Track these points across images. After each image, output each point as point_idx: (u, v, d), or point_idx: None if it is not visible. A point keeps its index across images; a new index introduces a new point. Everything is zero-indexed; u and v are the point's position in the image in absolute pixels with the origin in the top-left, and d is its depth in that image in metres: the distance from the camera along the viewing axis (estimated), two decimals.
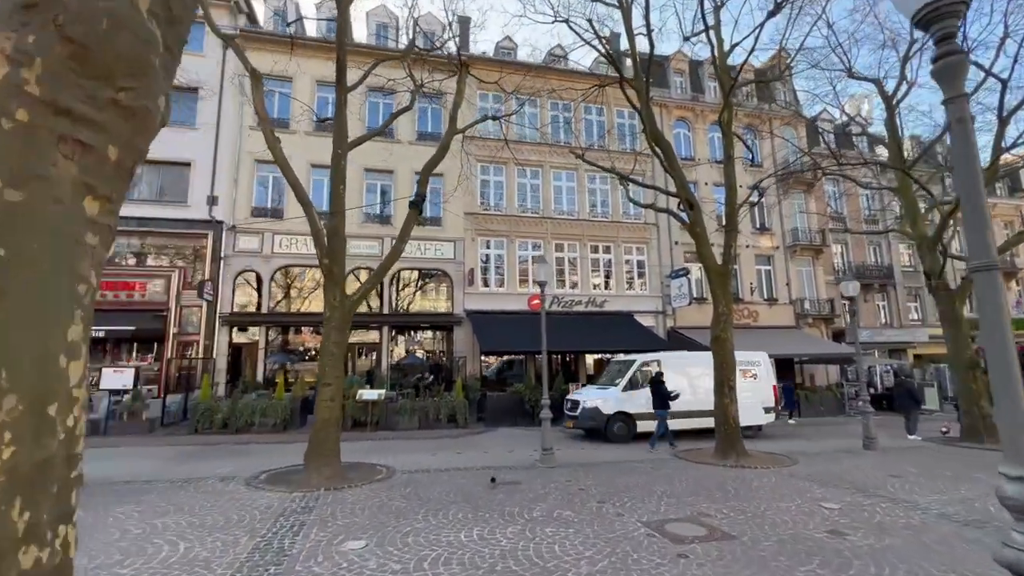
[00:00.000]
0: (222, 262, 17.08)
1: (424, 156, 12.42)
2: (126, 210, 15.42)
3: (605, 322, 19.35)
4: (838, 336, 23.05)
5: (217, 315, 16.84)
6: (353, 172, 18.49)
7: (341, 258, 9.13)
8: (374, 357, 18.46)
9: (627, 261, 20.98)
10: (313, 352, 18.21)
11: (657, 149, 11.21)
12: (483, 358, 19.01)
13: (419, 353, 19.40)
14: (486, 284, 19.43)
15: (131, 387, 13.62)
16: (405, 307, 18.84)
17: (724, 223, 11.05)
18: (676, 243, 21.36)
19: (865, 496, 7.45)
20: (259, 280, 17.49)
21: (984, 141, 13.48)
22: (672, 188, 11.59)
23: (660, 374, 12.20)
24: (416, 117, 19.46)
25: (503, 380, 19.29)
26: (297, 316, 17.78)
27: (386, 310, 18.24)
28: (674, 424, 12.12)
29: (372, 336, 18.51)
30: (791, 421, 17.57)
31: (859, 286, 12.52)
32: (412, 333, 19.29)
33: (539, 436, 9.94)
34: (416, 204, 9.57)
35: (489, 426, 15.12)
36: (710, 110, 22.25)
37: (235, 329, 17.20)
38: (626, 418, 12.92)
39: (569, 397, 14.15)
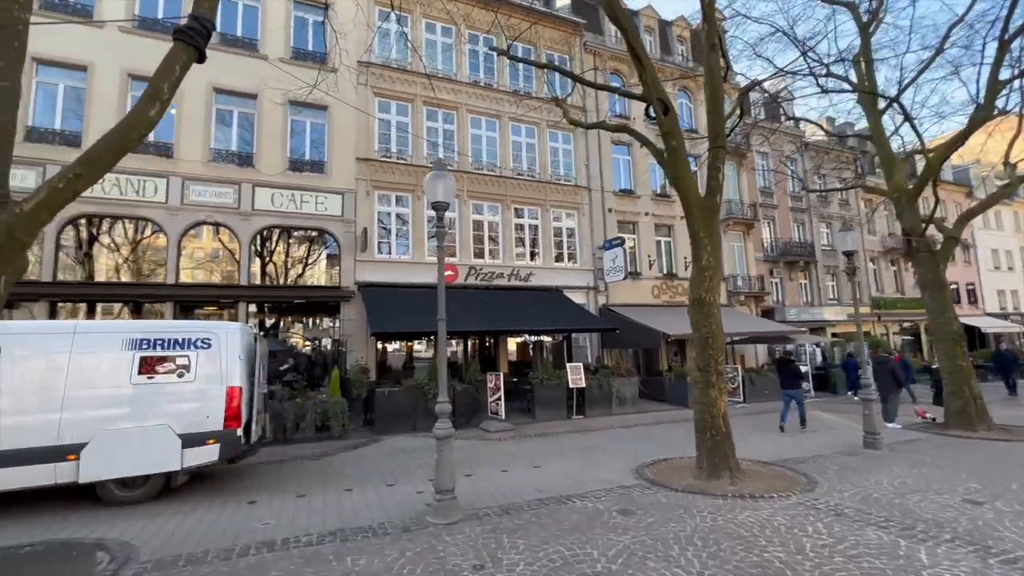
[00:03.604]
0: None
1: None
2: None
3: (531, 298, 15.35)
4: (767, 314, 21.01)
5: None
6: (198, 92, 12.87)
7: (9, 114, 4.10)
8: None
9: (556, 229, 17.12)
10: None
11: (617, 28, 7.20)
12: (379, 344, 14.22)
13: (296, 339, 14.16)
14: (385, 250, 14.61)
15: None
16: (275, 277, 13.51)
17: (709, 137, 7.31)
18: (610, 210, 17.85)
19: (988, 555, 3.94)
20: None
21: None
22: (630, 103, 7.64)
23: (790, 353, 8.42)
24: (291, 29, 14.08)
25: (410, 370, 14.67)
26: (101, 287, 11.83)
27: (244, 280, 12.82)
28: None
29: (228, 316, 13.01)
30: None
31: (857, 238, 9.48)
32: (285, 313, 13.98)
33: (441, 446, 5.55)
34: (189, 33, 4.71)
35: (377, 434, 10.49)
36: None
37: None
38: None
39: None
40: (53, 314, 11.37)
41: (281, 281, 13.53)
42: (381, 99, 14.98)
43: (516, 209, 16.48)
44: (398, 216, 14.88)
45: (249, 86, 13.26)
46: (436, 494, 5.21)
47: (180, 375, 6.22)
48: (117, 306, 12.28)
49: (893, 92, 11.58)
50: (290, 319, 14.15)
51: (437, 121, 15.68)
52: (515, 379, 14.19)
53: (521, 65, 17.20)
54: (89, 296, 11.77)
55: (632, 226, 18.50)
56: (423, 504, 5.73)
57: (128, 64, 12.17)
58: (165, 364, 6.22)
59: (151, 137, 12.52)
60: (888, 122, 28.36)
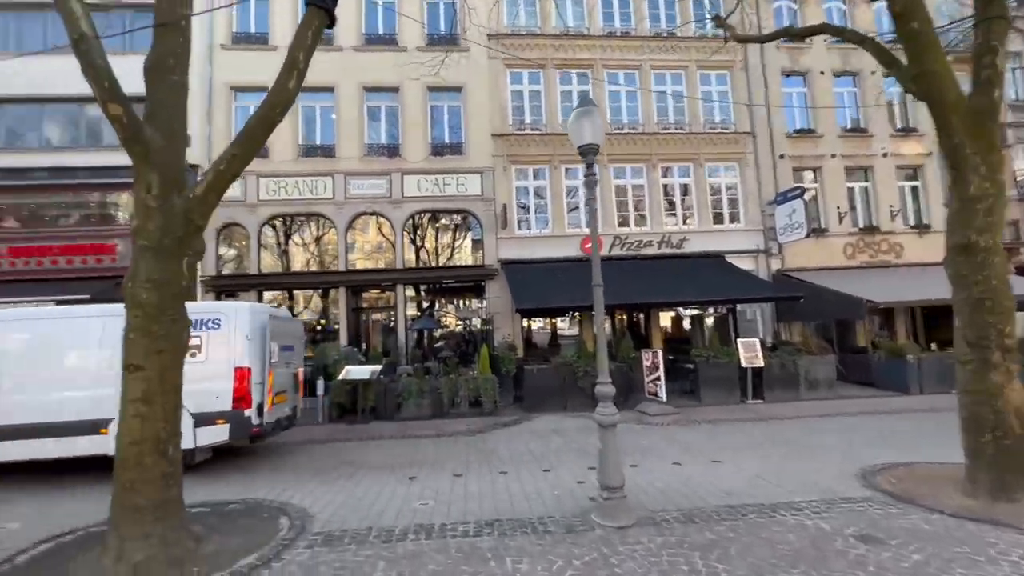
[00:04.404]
0: None
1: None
2: (78, 160, 10.26)
3: (686, 267, 13.49)
4: (1022, 272, 15.51)
5: (198, 279, 12.99)
6: (352, 93, 13.84)
7: (180, 107, 4.32)
8: (391, 324, 13.97)
9: (713, 186, 14.77)
10: (315, 320, 14.02)
11: None
12: (524, 321, 13.92)
13: (448, 318, 14.65)
14: (525, 226, 14.17)
15: None
16: (429, 260, 14.05)
17: (977, 5, 4.94)
18: (782, 156, 14.76)
19: None
20: (245, 235, 13.40)
21: None
22: None
23: None
24: (425, 16, 14.23)
25: (556, 347, 14.16)
26: (292, 276, 13.57)
27: (400, 264, 13.57)
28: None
29: (388, 298, 14.01)
30: None
31: None
32: (436, 292, 14.53)
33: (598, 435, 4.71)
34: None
35: (527, 411, 10.11)
36: None
37: (223, 295, 13.31)
38: None
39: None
40: (261, 302, 13.41)
41: (432, 263, 14.02)
42: (512, 70, 14.39)
43: (664, 168, 14.59)
44: (536, 191, 14.27)
45: (393, 79, 13.79)
46: (602, 490, 4.38)
47: (192, 355, 5.70)
48: (309, 292, 14.02)
49: None
50: (443, 299, 14.65)
51: (571, 83, 14.55)
52: (671, 357, 12.64)
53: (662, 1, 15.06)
54: (286, 285, 13.62)
55: (814, 173, 15.08)
56: (586, 498, 4.95)
57: (362, 78, 13.66)
58: None
59: (318, 141, 13.91)
60: None
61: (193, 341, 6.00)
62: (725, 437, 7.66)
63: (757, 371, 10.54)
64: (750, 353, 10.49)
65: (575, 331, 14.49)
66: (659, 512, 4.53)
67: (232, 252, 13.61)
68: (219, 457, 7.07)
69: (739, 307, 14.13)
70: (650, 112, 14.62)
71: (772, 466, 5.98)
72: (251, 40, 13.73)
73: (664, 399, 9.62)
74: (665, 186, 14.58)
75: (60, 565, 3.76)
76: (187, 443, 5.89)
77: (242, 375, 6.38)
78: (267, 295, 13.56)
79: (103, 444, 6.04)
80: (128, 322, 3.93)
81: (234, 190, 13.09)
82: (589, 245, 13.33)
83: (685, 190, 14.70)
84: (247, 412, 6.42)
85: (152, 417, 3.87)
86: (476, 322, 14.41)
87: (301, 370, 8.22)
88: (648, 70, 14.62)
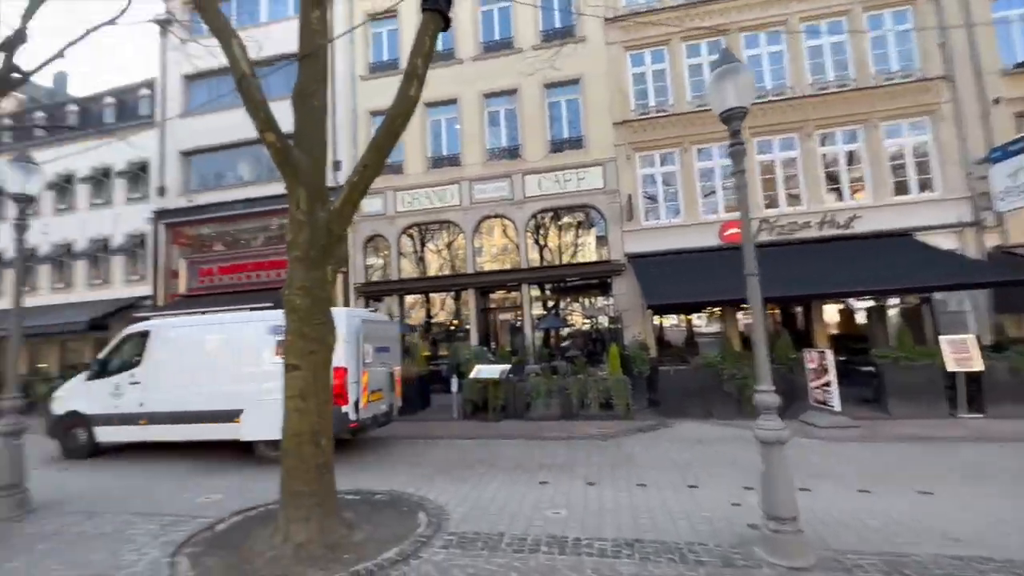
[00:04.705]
0: (349, 230, 14.78)
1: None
2: (262, 191, 13.12)
3: (857, 250, 11.21)
4: None
5: (351, 286, 14.68)
6: (473, 102, 14.36)
7: (320, 130, 4.71)
8: (518, 323, 14.13)
9: (892, 149, 12.07)
10: (448, 321, 14.82)
11: None
12: (655, 318, 12.94)
13: (574, 317, 14.33)
14: (652, 216, 13.19)
15: None
16: (550, 259, 13.92)
17: None
18: (996, 101, 11.43)
19: None
20: (386, 244, 14.73)
21: None
22: None
23: None
24: (540, 13, 14.12)
25: (692, 347, 12.92)
26: (427, 280, 14.52)
27: (524, 264, 13.65)
28: None
29: (514, 298, 14.20)
30: None
31: None
32: (561, 291, 14.28)
33: (752, 447, 3.94)
34: (434, 0, 4.49)
35: (664, 416, 9.27)
36: None
37: (371, 300, 14.83)
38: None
39: None
40: (402, 306, 14.64)
41: (555, 261, 13.83)
42: (633, 52, 13.53)
43: (821, 136, 12.37)
44: (664, 178, 13.19)
45: (510, 82, 13.95)
46: (768, 520, 3.62)
47: None
48: (443, 295, 14.88)
49: None
50: (568, 297, 14.37)
51: (699, 55, 13.16)
52: (842, 358, 10.56)
53: None
54: (422, 288, 14.65)
55: None
56: (743, 525, 4.20)
57: (481, 86, 14.17)
58: None
59: (444, 151, 14.68)
60: None
61: None
62: (931, 461, 6.03)
63: (973, 377, 8.21)
64: (960, 354, 8.21)
65: (714, 328, 13.05)
66: (848, 554, 3.60)
67: (379, 261, 15.06)
68: (365, 448, 7.75)
69: (937, 296, 11.30)
70: (801, 72, 12.51)
71: (1010, 505, 4.46)
72: (384, 68, 15.05)
73: (838, 408, 8.01)
74: (824, 156, 12.34)
75: (245, 538, 4.31)
76: None
77: (339, 374, 6.82)
78: (408, 299, 14.74)
79: (235, 431, 7.22)
80: (286, 325, 4.36)
81: (375, 205, 14.53)
82: (731, 231, 12.00)
83: (851, 159, 12.27)
84: (344, 408, 6.97)
85: (308, 411, 4.23)
86: (603, 320, 13.84)
87: (398, 369, 8.67)
88: (796, 23, 12.52)
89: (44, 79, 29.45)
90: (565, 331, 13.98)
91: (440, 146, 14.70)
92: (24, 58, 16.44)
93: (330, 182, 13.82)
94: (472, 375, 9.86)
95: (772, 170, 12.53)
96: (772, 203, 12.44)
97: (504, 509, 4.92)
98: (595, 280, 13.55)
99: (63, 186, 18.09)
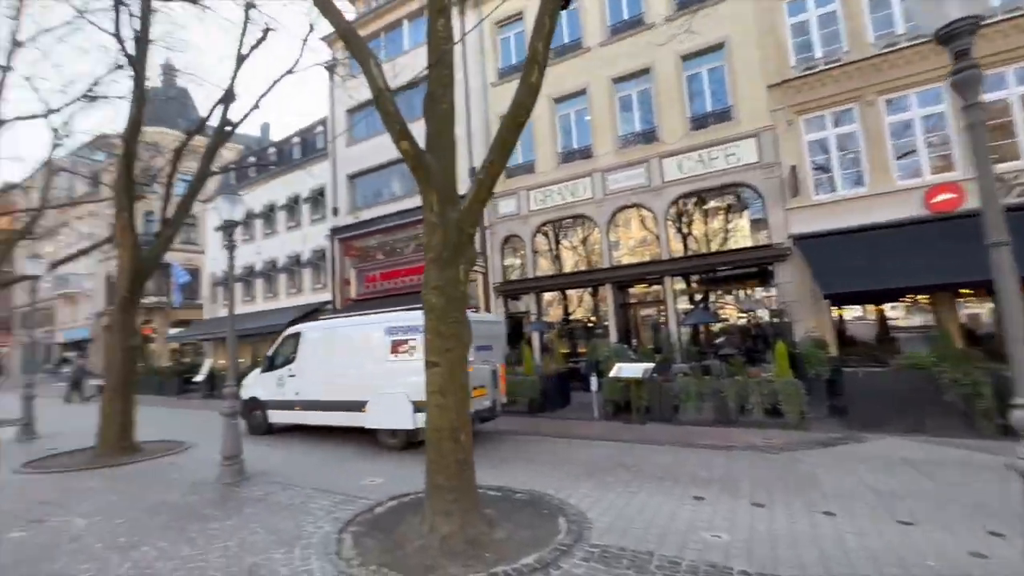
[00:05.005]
0: (487, 232, 15.42)
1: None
2: (411, 203, 14.67)
3: None
4: None
5: (491, 286, 15.30)
6: (602, 91, 13.81)
7: (449, 133, 4.81)
8: (661, 319, 13.13)
9: None
10: (586, 318, 14.44)
11: None
12: (832, 310, 10.77)
13: (727, 311, 12.77)
14: (824, 188, 11.05)
15: None
16: (698, 247, 12.61)
17: None
18: None
19: None
20: (522, 244, 14.99)
21: None
22: None
23: None
24: None
25: (887, 344, 10.47)
26: (563, 277, 14.35)
27: (666, 255, 12.62)
28: None
29: (656, 292, 13.24)
30: None
31: None
32: (710, 283, 12.83)
33: (995, 476, 2.82)
34: None
35: (854, 429, 7.56)
36: None
37: (509, 298, 15.26)
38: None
39: None
40: (539, 304, 14.74)
41: (702, 250, 12.50)
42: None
43: None
44: (839, 141, 10.95)
45: (642, 62, 13.05)
46: None
47: (411, 354, 7.63)
48: (580, 291, 14.60)
49: None
50: (718, 289, 12.88)
51: None
52: None
53: None
54: (558, 285, 14.55)
55: None
56: None
57: (610, 71, 13.51)
58: (403, 346, 7.81)
59: (575, 144, 14.38)
60: None
61: (412, 342, 7.73)
62: None
63: None
64: None
65: (917, 320, 10.40)
66: None
67: (516, 261, 15.42)
68: (503, 444, 7.84)
69: None
70: None
71: None
72: (512, 72, 15.30)
73: None
74: None
75: (399, 523, 4.58)
76: (408, 425, 7.47)
77: None
78: (545, 296, 14.79)
79: (362, 419, 8.01)
80: (425, 324, 4.52)
81: (509, 206, 14.89)
82: (942, 197, 9.45)
83: None
84: None
85: (447, 407, 4.31)
86: (762, 314, 12.07)
87: (501, 366, 8.78)
88: None
89: (252, 129, 37.08)
90: (717, 327, 12.53)
91: (570, 140, 14.45)
92: (235, 113, 20.63)
93: (467, 189, 14.57)
94: (612, 374, 9.36)
95: (1008, 112, 9.49)
96: (1006, 156, 9.42)
97: (652, 523, 4.43)
98: (751, 268, 11.88)
99: (268, 214, 22.45)
